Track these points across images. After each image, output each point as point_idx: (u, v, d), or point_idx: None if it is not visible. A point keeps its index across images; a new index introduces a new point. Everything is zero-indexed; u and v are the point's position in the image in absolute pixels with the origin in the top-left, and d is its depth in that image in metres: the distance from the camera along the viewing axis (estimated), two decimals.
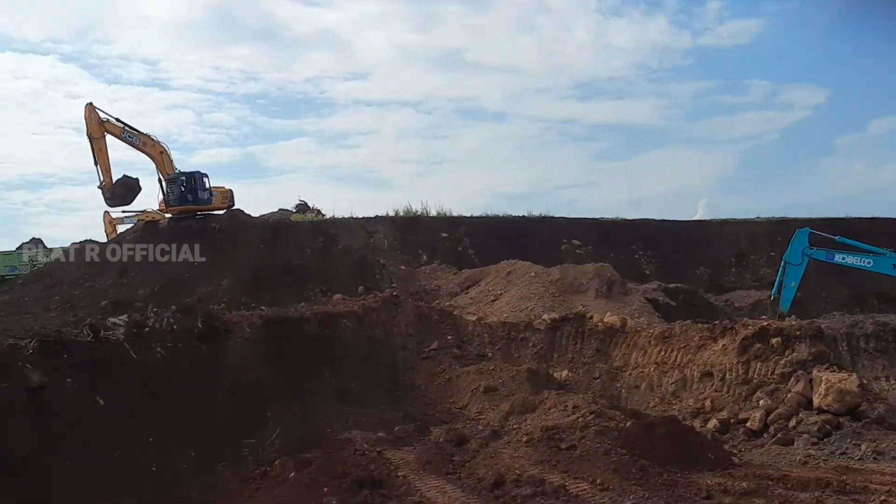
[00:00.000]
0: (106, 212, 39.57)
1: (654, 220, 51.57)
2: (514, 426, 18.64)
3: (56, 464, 14.23)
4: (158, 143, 38.38)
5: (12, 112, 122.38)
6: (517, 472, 14.27)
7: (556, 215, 49.23)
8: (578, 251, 44.64)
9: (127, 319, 19.44)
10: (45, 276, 36.47)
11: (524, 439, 16.80)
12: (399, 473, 14.76)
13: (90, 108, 36.09)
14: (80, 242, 39.65)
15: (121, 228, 40.37)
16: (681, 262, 45.97)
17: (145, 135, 37.92)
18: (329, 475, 14.05)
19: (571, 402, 18.31)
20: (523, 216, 48.52)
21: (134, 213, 39.25)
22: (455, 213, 45.20)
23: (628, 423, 16.32)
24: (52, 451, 14.50)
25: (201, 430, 17.15)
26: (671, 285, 38.12)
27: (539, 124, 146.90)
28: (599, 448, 14.95)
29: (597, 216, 51.26)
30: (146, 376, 17.82)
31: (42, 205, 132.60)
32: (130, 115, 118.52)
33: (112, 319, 19.67)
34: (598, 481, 13.45)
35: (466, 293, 34.15)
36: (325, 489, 13.51)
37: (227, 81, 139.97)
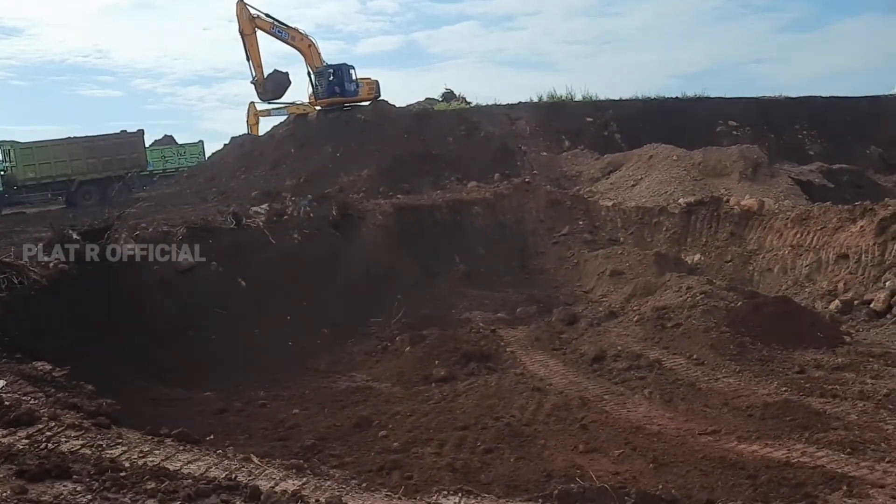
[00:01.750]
0: (252, 103, 41.06)
1: (821, 97, 48.39)
2: (634, 308, 18.87)
3: (201, 337, 15.91)
4: (307, 36, 39.48)
5: (185, 8, 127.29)
6: (619, 347, 14.75)
7: (713, 95, 47.13)
8: (735, 133, 42.76)
9: (267, 208, 20.93)
10: (206, 169, 38.99)
11: (635, 319, 17.13)
12: (508, 349, 15.52)
13: (241, 4, 37.49)
14: (239, 136, 42.02)
15: (264, 121, 41.81)
16: (850, 142, 43.17)
17: (293, 29, 39.07)
18: (441, 349, 15.01)
19: (686, 283, 18.33)
20: (676, 98, 46.75)
21: (281, 106, 40.67)
22: (602, 97, 44.27)
23: (739, 303, 16.33)
24: (199, 326, 16.20)
25: (333, 310, 18.55)
26: (834, 166, 36.17)
27: None
28: (702, 326, 15.23)
29: (761, 95, 48.63)
30: (284, 260, 19.31)
31: (215, 100, 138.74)
32: (296, 5, 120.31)
33: (254, 208, 21.26)
34: (695, 356, 13.76)
35: (607, 178, 33.84)
36: (436, 361, 14.49)
37: None
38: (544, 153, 36.35)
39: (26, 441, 7.01)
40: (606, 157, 35.91)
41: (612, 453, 9.65)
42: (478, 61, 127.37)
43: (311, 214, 21.01)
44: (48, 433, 7.26)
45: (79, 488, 6.08)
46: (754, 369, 12.99)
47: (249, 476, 6.73)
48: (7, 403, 7.85)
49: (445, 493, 6.83)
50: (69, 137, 36.98)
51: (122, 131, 39.10)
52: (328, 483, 6.81)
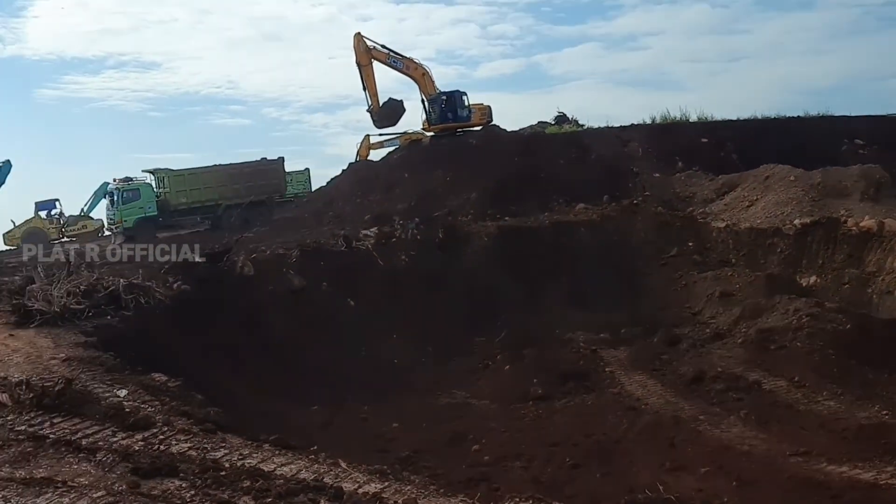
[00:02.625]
0: (366, 136, 42.30)
1: None
2: (742, 330, 18.61)
3: (311, 354, 16.69)
4: (420, 65, 40.43)
5: (311, 39, 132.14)
6: (719, 369, 14.69)
7: (838, 114, 45.46)
8: (862, 152, 41.12)
9: (376, 231, 21.71)
10: (324, 194, 40.28)
11: (739, 341, 16.94)
12: (607, 369, 15.67)
13: (358, 37, 38.81)
14: (356, 162, 43.29)
15: (375, 153, 42.85)
16: None
17: (408, 58, 40.11)
18: (539, 368, 15.37)
19: (794, 305, 17.96)
20: (798, 117, 45.32)
21: (395, 136, 41.65)
22: (719, 117, 43.46)
23: (847, 327, 15.93)
24: (308, 344, 17.00)
25: (437, 329, 19.06)
26: None
27: (854, 9, 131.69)
28: (806, 348, 14.97)
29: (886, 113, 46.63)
30: (391, 281, 20.04)
31: (338, 125, 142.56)
32: (417, 32, 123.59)
33: (364, 231, 22.08)
34: (796, 379, 13.62)
35: (721, 200, 33.24)
36: (534, 380, 14.80)
37: None
38: (657, 174, 35.90)
39: (142, 443, 7.77)
40: (721, 177, 35.22)
41: (698, 471, 9.72)
42: (600, 82, 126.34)
43: (418, 237, 21.66)
44: (161, 436, 8.01)
45: (184, 485, 6.77)
46: (856, 392, 12.77)
47: (336, 478, 7.25)
48: (127, 410, 8.68)
49: (518, 500, 7.14)
50: (216, 165, 39.35)
51: (262, 159, 41.08)
52: (408, 487, 7.25)
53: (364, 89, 39.30)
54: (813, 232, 24.34)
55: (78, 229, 44.15)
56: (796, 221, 25.65)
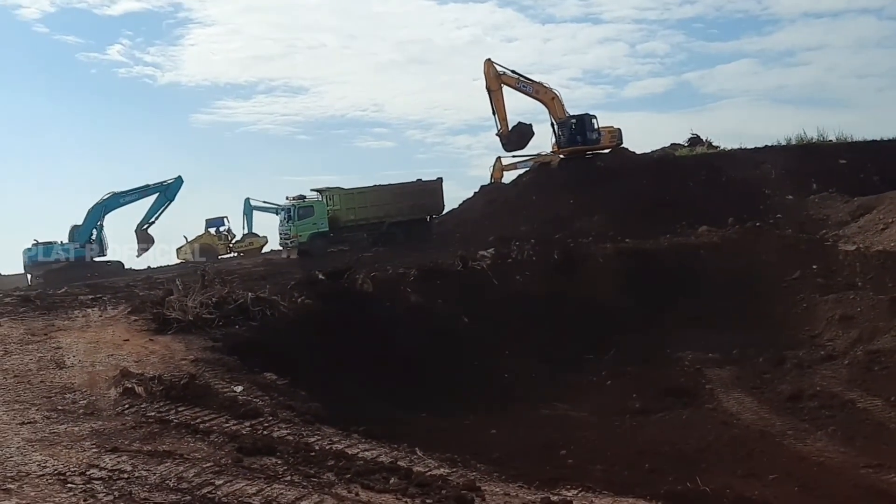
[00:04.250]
0: (498, 158, 43.62)
1: None
2: (860, 352, 18.47)
3: (424, 365, 17.79)
4: (550, 89, 41.39)
5: (455, 61, 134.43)
6: (818, 388, 14.83)
7: None
8: None
9: (493, 252, 22.75)
10: (455, 215, 41.73)
11: (846, 362, 16.89)
12: (707, 386, 16.03)
13: (489, 63, 40.25)
14: (488, 184, 44.62)
15: (509, 175, 44.09)
16: None
17: (538, 83, 41.18)
18: (640, 384, 15.90)
19: None
20: None
21: (527, 158, 42.71)
22: (858, 138, 42.19)
23: None
24: (422, 355, 18.12)
25: (551, 346, 19.83)
26: None
27: None
28: None
29: None
30: (505, 299, 20.97)
31: (481, 147, 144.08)
32: (564, 52, 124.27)
33: (482, 252, 23.15)
34: (893, 399, 13.58)
35: (856, 222, 32.39)
36: (634, 395, 15.38)
37: (662, 8, 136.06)
38: (789, 196, 35.33)
39: (248, 428, 9.09)
40: (856, 199, 34.28)
41: (766, 478, 10.15)
42: (756, 100, 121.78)
43: (534, 258, 22.50)
44: (266, 424, 9.30)
45: (279, 461, 7.96)
46: None
47: (410, 462, 8.27)
48: (240, 402, 10.07)
49: (569, 487, 7.94)
50: (382, 184, 41.88)
51: (417, 180, 43.29)
52: (473, 474, 8.18)
53: (493, 113, 40.69)
54: None
55: (246, 245, 47.74)
56: None
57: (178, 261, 47.11)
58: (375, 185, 40.95)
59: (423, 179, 41.95)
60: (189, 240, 48.17)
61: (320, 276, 18.71)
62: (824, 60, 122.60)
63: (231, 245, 48.95)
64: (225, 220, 50.45)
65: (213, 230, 49.61)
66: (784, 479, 10.03)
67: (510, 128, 40.57)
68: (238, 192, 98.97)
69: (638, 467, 10.95)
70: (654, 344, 20.46)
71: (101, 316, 17.43)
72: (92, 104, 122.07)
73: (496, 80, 40.31)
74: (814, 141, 41.72)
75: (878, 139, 42.80)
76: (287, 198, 39.70)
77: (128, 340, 14.33)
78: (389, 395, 15.96)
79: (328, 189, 39.94)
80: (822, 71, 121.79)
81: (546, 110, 41.15)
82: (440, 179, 41.92)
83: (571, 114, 40.51)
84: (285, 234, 37.88)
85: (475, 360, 18.69)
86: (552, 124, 41.19)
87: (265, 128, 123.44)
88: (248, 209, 51.29)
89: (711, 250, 25.36)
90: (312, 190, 39.87)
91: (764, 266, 25.12)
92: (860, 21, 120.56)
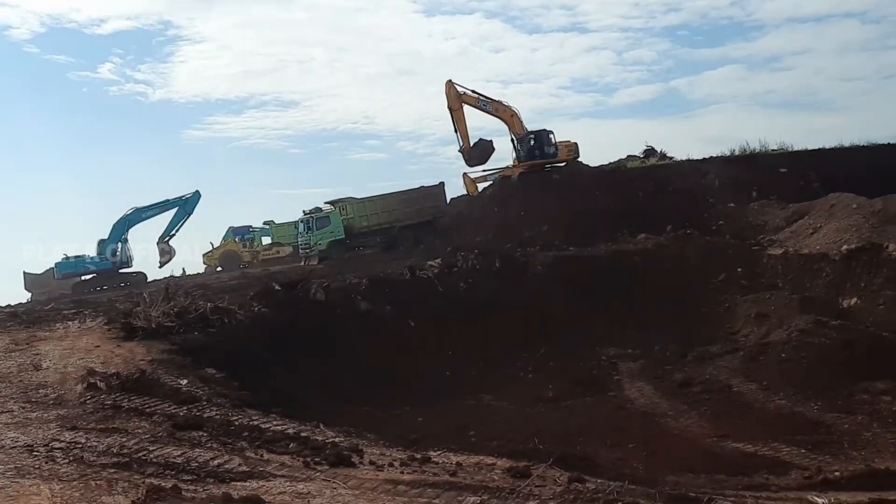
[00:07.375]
0: (465, 174, 45.84)
1: None
2: (754, 344, 20.30)
3: (376, 366, 19.69)
4: (509, 107, 43.50)
5: (444, 71, 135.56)
6: (707, 376, 16.84)
7: None
8: None
9: (440, 262, 24.74)
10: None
11: (740, 354, 18.90)
12: (616, 378, 18.05)
13: (450, 84, 42.40)
14: (457, 197, 46.83)
15: (482, 187, 46.19)
16: None
17: (497, 101, 43.31)
18: (557, 377, 17.87)
19: (796, 322, 19.69)
20: (888, 144, 45.57)
21: (495, 171, 44.89)
22: (798, 147, 44.40)
23: (830, 340, 17.72)
24: (369, 355, 20.04)
25: (487, 346, 21.76)
26: None
27: None
28: (789, 359, 16.89)
29: None
30: (449, 305, 22.91)
31: None
32: (552, 61, 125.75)
33: (430, 262, 25.15)
34: (765, 383, 15.61)
35: (790, 227, 34.47)
36: (550, 385, 17.37)
37: (647, 16, 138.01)
38: (731, 204, 37.43)
39: (185, 410, 11.04)
40: (791, 206, 36.36)
41: (627, 447, 12.16)
42: (744, 105, 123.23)
43: (477, 266, 24.48)
44: (200, 407, 11.28)
45: (204, 434, 9.93)
46: (808, 394, 14.69)
47: (312, 434, 10.25)
48: (183, 391, 12.05)
49: (444, 451, 9.93)
50: (388, 193, 44.68)
51: (420, 186, 45.51)
52: (363, 442, 10.17)
53: (455, 131, 42.86)
54: (858, 257, 25.60)
55: (273, 254, 49.86)
56: (843, 248, 26.98)
57: (204, 266, 51.34)
58: (384, 194, 44.52)
59: (426, 185, 44.58)
60: (215, 246, 50.63)
61: (276, 287, 20.66)
62: (810, 64, 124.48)
63: (258, 253, 51.09)
64: (250, 229, 53.01)
65: (237, 238, 53.41)
66: (640, 447, 12.01)
67: (472, 144, 42.71)
68: (230, 206, 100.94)
69: (527, 442, 12.87)
70: (582, 342, 22.40)
71: (79, 327, 19.32)
72: (84, 122, 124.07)
73: (457, 100, 42.50)
74: (756, 151, 43.93)
75: (819, 147, 45.02)
76: (304, 211, 44.70)
77: (98, 346, 16.25)
78: (335, 389, 17.88)
79: (340, 200, 44.30)
80: (809, 75, 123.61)
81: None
82: (442, 183, 45.11)
83: (539, 129, 43.02)
84: (304, 244, 41.84)
85: (418, 360, 20.59)
86: (512, 140, 43.33)
87: (257, 142, 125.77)
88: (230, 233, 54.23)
89: (645, 256, 27.38)
90: (326, 203, 44.94)
91: (692, 270, 27.16)
92: (844, 25, 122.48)
